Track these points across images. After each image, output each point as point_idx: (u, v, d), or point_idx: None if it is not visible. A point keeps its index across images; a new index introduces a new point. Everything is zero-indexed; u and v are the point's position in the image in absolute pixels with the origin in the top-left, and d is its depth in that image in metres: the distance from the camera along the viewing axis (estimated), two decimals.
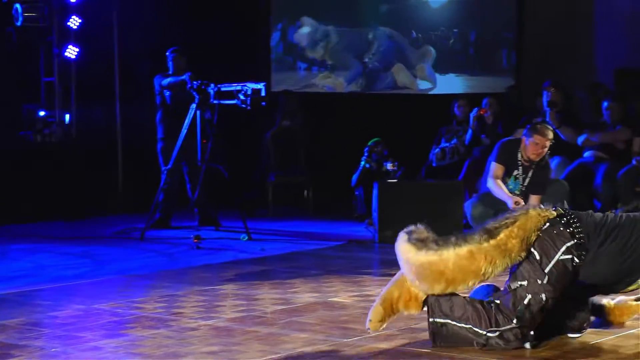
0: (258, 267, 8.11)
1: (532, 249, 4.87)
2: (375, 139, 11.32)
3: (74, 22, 11.92)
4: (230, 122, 11.08)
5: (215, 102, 9.85)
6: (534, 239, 4.88)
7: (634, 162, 10.30)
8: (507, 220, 4.89)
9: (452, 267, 4.82)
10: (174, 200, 10.77)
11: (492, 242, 4.83)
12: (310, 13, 13.95)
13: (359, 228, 10.50)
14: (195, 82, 9.89)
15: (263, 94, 9.60)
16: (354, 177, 11.25)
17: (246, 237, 9.72)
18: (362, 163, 11.17)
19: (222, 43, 12.79)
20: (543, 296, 4.81)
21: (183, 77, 10.19)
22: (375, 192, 9.68)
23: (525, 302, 4.81)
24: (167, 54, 10.81)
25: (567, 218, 4.93)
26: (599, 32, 13.92)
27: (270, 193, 12.34)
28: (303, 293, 6.66)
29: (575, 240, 4.86)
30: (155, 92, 10.79)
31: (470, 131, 11.25)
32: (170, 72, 10.71)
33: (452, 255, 4.83)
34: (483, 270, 4.83)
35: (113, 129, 12.49)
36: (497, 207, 8.42)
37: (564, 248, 4.85)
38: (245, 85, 9.57)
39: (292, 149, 12.58)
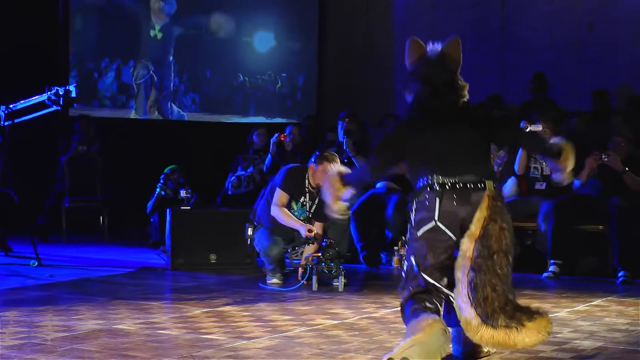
0: (44, 294, 7.94)
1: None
2: (172, 166, 11.29)
3: None
4: (23, 145, 10.84)
5: (5, 124, 9.60)
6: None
7: None
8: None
9: None
10: None
11: None
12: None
13: (153, 255, 10.41)
14: None
15: (74, 94, 9.38)
16: (150, 204, 11.17)
17: (36, 263, 9.50)
18: (158, 190, 11.10)
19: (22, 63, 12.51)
20: None
21: None
22: (168, 219, 9.63)
23: None
24: None
25: None
26: (398, 71, 14.29)
27: (64, 218, 12.13)
28: (87, 320, 6.53)
29: None
30: None
31: (269, 156, 11.28)
32: None
33: None
34: None
35: None
36: (289, 238, 8.54)
37: None
38: (53, 87, 9.35)
39: (88, 174, 12.41)
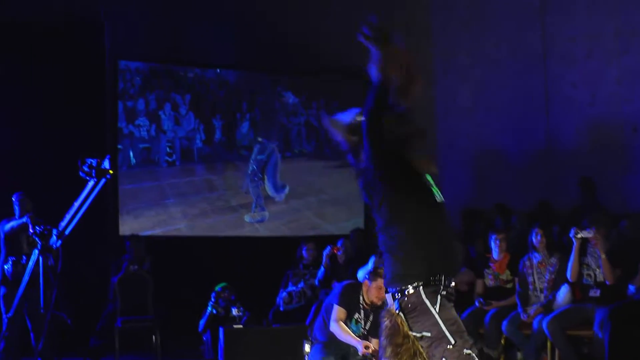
0: None
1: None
2: (222, 284, 11.27)
3: None
4: (75, 267, 10.91)
5: (58, 245, 9.61)
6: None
7: (476, 303, 10.51)
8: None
9: None
10: (16, 349, 10.46)
11: None
12: None
13: None
14: (37, 228, 9.69)
15: (107, 166, 8.99)
16: (201, 322, 11.15)
17: None
18: (209, 308, 11.09)
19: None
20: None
21: (24, 219, 10.06)
22: (221, 337, 9.61)
23: None
24: (13, 198, 10.63)
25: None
26: (445, 172, 14.33)
27: (117, 339, 12.11)
28: None
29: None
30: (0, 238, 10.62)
31: (322, 269, 11.30)
32: (17, 217, 10.54)
33: None
34: None
35: None
36: (341, 354, 8.48)
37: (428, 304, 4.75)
38: (87, 160, 9.06)
39: (139, 294, 12.41)
